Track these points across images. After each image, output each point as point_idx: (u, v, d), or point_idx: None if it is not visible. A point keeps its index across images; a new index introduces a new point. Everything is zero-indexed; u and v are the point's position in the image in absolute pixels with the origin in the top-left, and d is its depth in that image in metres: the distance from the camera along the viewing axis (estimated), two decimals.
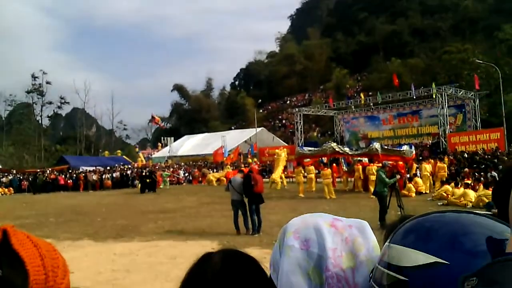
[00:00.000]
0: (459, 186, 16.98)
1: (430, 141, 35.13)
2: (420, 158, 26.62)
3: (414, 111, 39.40)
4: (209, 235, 11.05)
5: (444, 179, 20.03)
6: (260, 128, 51.50)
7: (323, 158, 23.41)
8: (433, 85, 33.47)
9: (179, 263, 7.46)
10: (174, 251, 9.16)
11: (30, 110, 75.94)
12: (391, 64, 59.66)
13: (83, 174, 38.28)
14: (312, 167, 22.32)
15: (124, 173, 39.54)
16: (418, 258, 0.70)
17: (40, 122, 77.16)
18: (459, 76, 45.80)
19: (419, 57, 59.92)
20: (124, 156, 55.23)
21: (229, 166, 35.37)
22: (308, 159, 23.25)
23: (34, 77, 74.94)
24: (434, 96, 34.05)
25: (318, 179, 22.39)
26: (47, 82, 75.61)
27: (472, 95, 35.22)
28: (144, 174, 32.10)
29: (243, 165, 30.91)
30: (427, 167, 21.14)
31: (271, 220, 12.01)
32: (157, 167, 42.68)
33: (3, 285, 0.83)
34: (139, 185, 31.04)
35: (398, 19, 70.95)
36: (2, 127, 77.66)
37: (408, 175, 21.09)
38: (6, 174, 41.43)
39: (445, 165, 22.44)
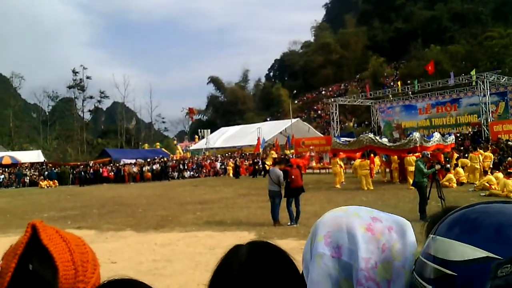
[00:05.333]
0: (503, 176, 16.40)
1: (470, 130, 34.00)
2: (461, 147, 25.82)
3: (454, 100, 38.07)
4: (246, 226, 11.17)
5: (488, 169, 19.37)
6: (295, 119, 51.26)
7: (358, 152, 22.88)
8: (473, 72, 32.29)
9: (217, 253, 7.48)
10: (212, 241, 9.33)
11: (72, 105, 78.51)
12: (430, 51, 57.77)
13: (125, 167, 39.40)
14: (337, 159, 21.97)
15: (163, 165, 40.38)
16: (465, 251, 0.68)
17: (82, 116, 79.65)
18: (501, 62, 43.99)
19: (459, 43, 57.81)
20: (163, 149, 56.24)
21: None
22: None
23: (75, 72, 77.41)
24: (474, 84, 32.87)
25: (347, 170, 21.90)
26: (88, 77, 78.00)
27: None
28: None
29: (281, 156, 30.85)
30: (477, 157, 20.26)
31: (308, 211, 12.01)
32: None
33: (33, 280, 0.86)
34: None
35: (437, 4, 68.54)
36: (46, 122, 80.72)
37: (448, 165, 20.50)
38: (52, 167, 43.07)
39: (491, 155, 21.71)
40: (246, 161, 38.22)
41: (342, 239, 0.85)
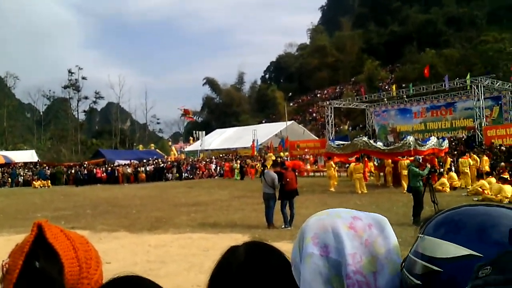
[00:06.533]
0: (496, 181, 16.53)
1: (465, 135, 34.18)
2: (455, 152, 25.96)
3: (449, 104, 38.25)
4: (240, 228, 11.20)
5: (482, 174, 19.50)
6: (290, 122, 51.32)
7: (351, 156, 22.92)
8: (468, 76, 32.50)
9: (211, 255, 7.60)
10: (206, 243, 9.35)
11: (66, 105, 78.34)
12: (425, 55, 58.10)
13: (119, 168, 39.32)
14: (331, 163, 22.04)
15: (158, 167, 40.33)
16: (449, 249, 0.73)
17: (76, 116, 79.45)
18: (495, 66, 44.27)
19: (454, 47, 58.20)
20: (158, 150, 56.16)
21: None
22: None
23: (70, 72, 77.33)
24: (469, 88, 33.08)
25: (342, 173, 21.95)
26: (83, 78, 77.96)
27: (509, 86, 34.02)
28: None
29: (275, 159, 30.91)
30: (468, 161, 20.46)
31: (302, 214, 12.01)
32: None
33: (40, 276, 0.89)
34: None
35: (432, 8, 68.86)
36: (40, 122, 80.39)
37: (442, 169, 20.63)
38: (46, 167, 42.88)
39: (487, 158, 21.91)
40: (235, 162, 38.21)
41: (328, 238, 0.90)
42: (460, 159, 21.33)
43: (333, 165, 22.07)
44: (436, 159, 21.74)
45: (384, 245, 0.89)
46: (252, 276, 0.95)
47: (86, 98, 79.85)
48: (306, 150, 37.91)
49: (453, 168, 21.61)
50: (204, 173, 39.84)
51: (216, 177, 38.53)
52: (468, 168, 20.13)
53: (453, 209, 0.83)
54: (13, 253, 0.96)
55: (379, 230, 0.91)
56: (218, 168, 40.53)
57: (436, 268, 0.74)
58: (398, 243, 0.90)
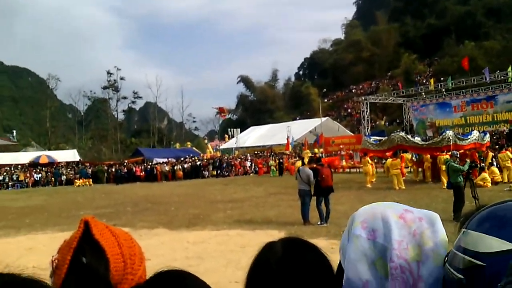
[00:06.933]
0: None
1: (507, 128, 32.89)
2: (497, 146, 25.05)
3: (490, 97, 36.75)
4: (276, 225, 11.23)
5: None
6: (325, 118, 50.85)
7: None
8: (510, 69, 31.28)
9: (248, 252, 7.66)
10: (243, 240, 9.43)
11: (106, 105, 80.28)
12: (464, 48, 56.21)
13: (158, 166, 40.13)
14: (367, 159, 21.73)
15: (194, 164, 40.87)
16: (493, 244, 0.72)
17: (116, 116, 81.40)
18: None
19: (495, 39, 55.96)
20: (194, 148, 56.85)
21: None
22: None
23: (109, 73, 79.24)
24: (510, 80, 31.84)
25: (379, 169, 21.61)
26: (121, 78, 79.67)
27: None
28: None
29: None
30: (508, 155, 19.73)
31: (338, 210, 11.95)
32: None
33: (87, 272, 0.92)
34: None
35: None
36: (81, 122, 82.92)
37: (483, 164, 19.97)
38: (88, 166, 44.24)
39: None
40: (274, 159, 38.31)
41: (377, 224, 0.92)
42: (499, 154, 20.59)
43: (369, 161, 21.75)
44: (476, 154, 21.09)
45: (432, 237, 0.90)
46: (290, 271, 0.97)
47: (125, 98, 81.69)
48: (341, 146, 37.49)
49: (494, 163, 20.86)
50: (240, 170, 40.10)
51: (251, 174, 38.69)
52: (509, 162, 19.45)
53: (496, 204, 0.82)
54: (62, 249, 0.99)
55: (429, 224, 0.92)
56: (253, 165, 40.67)
57: (479, 263, 0.73)
58: (447, 239, 0.91)
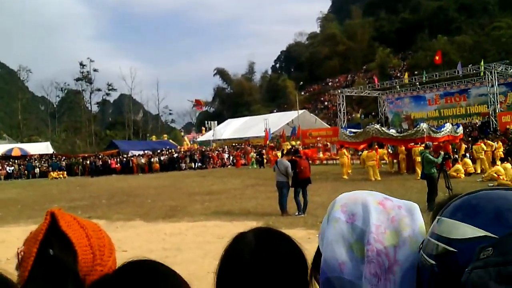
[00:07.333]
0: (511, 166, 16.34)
1: (480, 121, 33.74)
2: (470, 138, 25.67)
3: (462, 90, 37.71)
4: (254, 216, 11.26)
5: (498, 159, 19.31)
6: (302, 111, 51.17)
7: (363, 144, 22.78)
8: (482, 63, 32.02)
9: (226, 243, 7.65)
10: (221, 231, 9.40)
11: (79, 97, 78.83)
12: (437, 42, 57.30)
13: (134, 158, 39.72)
14: (344, 151, 22.01)
15: (171, 157, 40.60)
16: (466, 231, 0.74)
17: (89, 108, 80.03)
18: (509, 53, 43.63)
19: (467, 34, 57.35)
20: (170, 140, 56.55)
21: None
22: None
23: (82, 65, 77.64)
24: (482, 74, 32.64)
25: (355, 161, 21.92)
26: (95, 70, 78.21)
27: None
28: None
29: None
30: (482, 147, 20.27)
31: (315, 201, 12.05)
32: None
33: (54, 264, 0.90)
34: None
35: None
36: (54, 114, 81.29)
37: (456, 156, 20.44)
38: (62, 158, 43.46)
39: (501, 144, 21.74)
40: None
41: (357, 209, 0.93)
42: (473, 146, 21.11)
43: (346, 153, 21.99)
44: (450, 146, 21.56)
45: (410, 224, 0.90)
46: (264, 262, 0.96)
47: (98, 90, 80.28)
48: (318, 138, 37.78)
49: (467, 155, 21.38)
50: (218, 162, 40.02)
51: (229, 166, 38.69)
52: (483, 154, 19.96)
53: (470, 193, 0.83)
54: (28, 241, 0.96)
55: (407, 212, 0.93)
56: (231, 157, 40.66)
57: (451, 249, 0.75)
58: (425, 227, 0.91)
